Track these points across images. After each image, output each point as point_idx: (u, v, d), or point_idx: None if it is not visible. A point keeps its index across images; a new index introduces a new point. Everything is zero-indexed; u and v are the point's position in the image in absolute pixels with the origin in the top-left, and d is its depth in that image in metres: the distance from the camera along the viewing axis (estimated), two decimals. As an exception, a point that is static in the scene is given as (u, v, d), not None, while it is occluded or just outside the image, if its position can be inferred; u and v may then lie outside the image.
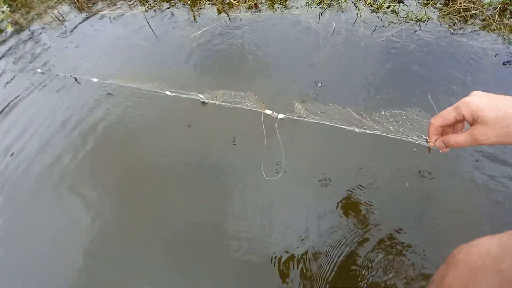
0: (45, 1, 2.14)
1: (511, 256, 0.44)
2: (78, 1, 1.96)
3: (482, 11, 1.64)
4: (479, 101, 0.47)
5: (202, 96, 1.26)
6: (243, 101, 1.17)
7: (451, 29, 1.60)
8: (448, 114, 0.51)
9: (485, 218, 0.99)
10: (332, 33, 1.59)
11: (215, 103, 1.21)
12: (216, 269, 0.99)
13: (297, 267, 0.96)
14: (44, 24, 1.97)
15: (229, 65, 1.56)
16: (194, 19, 1.79)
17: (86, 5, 1.99)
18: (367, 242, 0.98)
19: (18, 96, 1.59)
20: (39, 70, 1.68)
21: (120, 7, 1.97)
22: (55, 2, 2.07)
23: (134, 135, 1.35)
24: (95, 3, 2.01)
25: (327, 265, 0.95)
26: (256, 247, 1.01)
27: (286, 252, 0.99)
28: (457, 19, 1.65)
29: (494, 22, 1.57)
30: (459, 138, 0.51)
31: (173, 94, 1.29)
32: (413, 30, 1.59)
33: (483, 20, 1.62)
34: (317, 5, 1.74)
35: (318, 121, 0.94)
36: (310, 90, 1.39)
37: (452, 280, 0.49)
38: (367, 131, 0.85)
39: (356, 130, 0.88)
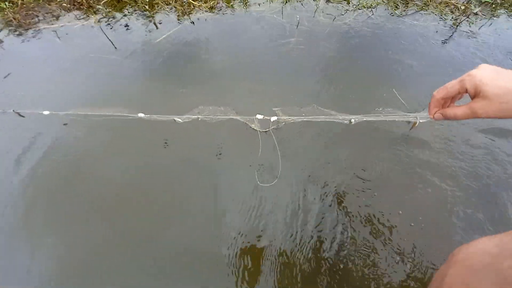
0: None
1: (511, 257, 0.44)
2: (14, 18, 1.73)
3: (418, -7, 1.85)
4: (484, 75, 0.48)
5: (180, 120, 1.19)
6: (224, 115, 1.15)
7: (396, 11, 1.78)
8: (452, 87, 0.52)
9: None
10: (298, 25, 1.66)
11: (198, 118, 1.17)
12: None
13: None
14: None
15: (199, 70, 1.50)
16: (155, 25, 1.71)
17: (24, 21, 1.77)
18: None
19: None
20: None
21: (65, 19, 1.79)
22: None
23: (111, 158, 1.21)
24: (35, 17, 1.79)
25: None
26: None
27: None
28: (399, 3, 1.85)
29: (431, 1, 1.79)
30: (458, 110, 0.53)
31: (147, 116, 1.19)
32: (366, 16, 1.74)
33: (421, 1, 1.84)
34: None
35: (313, 119, 0.96)
36: (286, 91, 1.38)
37: (452, 280, 0.49)
38: (364, 118, 0.90)
39: (353, 120, 0.91)
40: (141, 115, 1.17)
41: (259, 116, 1.07)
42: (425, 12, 1.77)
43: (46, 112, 1.25)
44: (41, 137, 1.26)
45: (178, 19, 1.73)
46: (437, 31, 1.67)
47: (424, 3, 1.80)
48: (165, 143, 1.21)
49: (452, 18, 1.71)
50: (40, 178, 1.15)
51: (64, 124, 1.30)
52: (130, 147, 1.23)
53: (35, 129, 1.28)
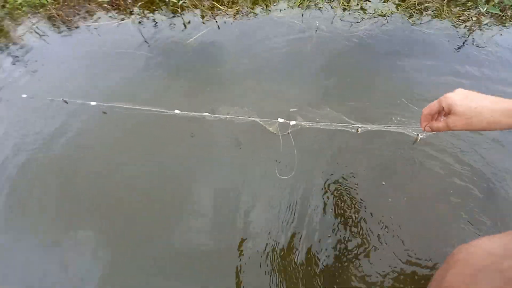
0: (18, 17, 2.04)
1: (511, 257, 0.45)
2: (58, 15, 1.91)
3: (433, 3, 1.95)
4: (455, 97, 0.60)
5: (208, 114, 1.32)
6: (249, 116, 1.29)
7: (410, 20, 1.89)
8: (433, 106, 0.66)
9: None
10: (316, 31, 1.78)
11: (226, 117, 1.30)
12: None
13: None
14: (23, 41, 1.89)
15: (224, 70, 1.63)
16: (184, 26, 1.87)
17: (67, 18, 1.95)
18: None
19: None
20: (24, 95, 1.57)
21: (104, 18, 1.96)
22: (31, 16, 1.99)
23: (144, 149, 1.36)
24: (77, 14, 1.98)
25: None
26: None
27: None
28: (413, 12, 1.95)
29: (443, 12, 1.89)
30: (438, 124, 0.66)
31: (182, 113, 1.31)
32: (381, 24, 1.85)
33: (435, 10, 1.93)
34: (298, 6, 1.92)
35: (330, 124, 1.08)
36: (303, 93, 1.49)
37: (453, 280, 0.50)
38: (368, 128, 1.02)
39: (359, 129, 1.02)
40: (177, 111, 1.30)
41: (280, 120, 1.19)
42: (439, 21, 1.87)
43: (93, 103, 1.40)
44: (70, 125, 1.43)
45: (206, 23, 1.88)
46: (449, 40, 1.76)
47: (438, 13, 1.90)
48: (192, 137, 1.36)
49: (464, 27, 1.81)
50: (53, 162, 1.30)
51: (104, 113, 1.47)
52: (157, 141, 1.36)
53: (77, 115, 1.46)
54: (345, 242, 1.05)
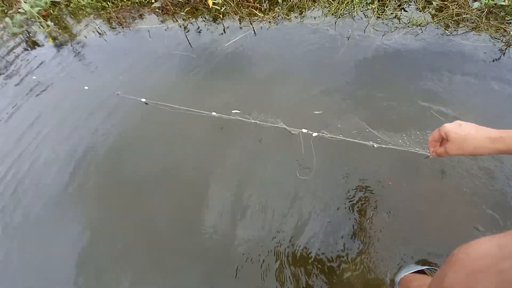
0: (80, 16, 2.36)
1: (511, 257, 0.45)
2: (117, 17, 2.19)
3: (471, 15, 1.93)
4: (450, 127, 0.70)
5: (239, 117, 1.44)
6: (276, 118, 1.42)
7: (446, 31, 1.89)
8: (435, 134, 0.76)
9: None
10: (349, 38, 1.86)
11: (256, 122, 1.42)
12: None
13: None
14: (86, 38, 2.19)
15: (257, 72, 1.78)
16: (224, 31, 2.04)
17: (124, 20, 2.22)
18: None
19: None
20: (86, 87, 1.83)
21: (154, 22, 2.21)
22: (93, 17, 2.30)
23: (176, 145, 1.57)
24: (132, 17, 2.24)
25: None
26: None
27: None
28: (450, 23, 1.94)
29: (482, 24, 1.87)
30: (440, 149, 0.75)
31: (218, 115, 1.44)
32: (415, 33, 1.88)
33: (473, 22, 1.91)
34: (332, 14, 2.01)
35: (346, 138, 1.18)
36: (330, 99, 1.60)
37: (452, 281, 0.50)
38: (383, 146, 1.11)
39: (375, 145, 1.12)
40: (214, 113, 1.44)
41: (304, 130, 1.30)
42: (476, 33, 1.85)
43: (143, 100, 1.62)
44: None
45: (243, 28, 2.04)
46: (485, 52, 1.75)
47: (476, 25, 1.88)
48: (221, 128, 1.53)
49: (502, 41, 1.78)
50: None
51: (146, 103, 1.67)
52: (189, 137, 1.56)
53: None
54: (350, 238, 1.16)
